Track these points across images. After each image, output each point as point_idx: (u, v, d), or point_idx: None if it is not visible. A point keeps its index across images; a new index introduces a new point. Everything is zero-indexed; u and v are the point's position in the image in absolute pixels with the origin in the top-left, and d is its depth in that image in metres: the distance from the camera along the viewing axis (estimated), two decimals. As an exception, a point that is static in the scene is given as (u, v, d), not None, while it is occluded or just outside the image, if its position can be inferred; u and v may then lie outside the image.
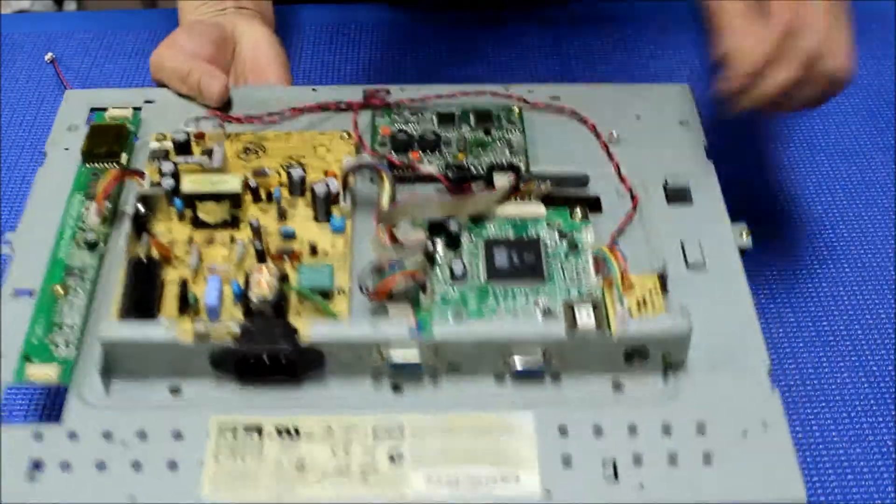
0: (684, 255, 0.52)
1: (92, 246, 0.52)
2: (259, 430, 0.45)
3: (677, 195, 0.56)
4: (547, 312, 0.49)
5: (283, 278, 0.49)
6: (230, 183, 0.52)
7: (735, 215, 0.70)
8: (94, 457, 0.44)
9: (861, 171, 0.72)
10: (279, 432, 0.45)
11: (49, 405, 0.57)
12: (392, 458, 0.44)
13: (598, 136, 0.59)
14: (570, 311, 0.48)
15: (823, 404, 0.59)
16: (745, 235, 0.54)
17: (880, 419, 0.58)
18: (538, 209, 0.54)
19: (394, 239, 0.50)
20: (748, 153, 0.74)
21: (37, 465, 0.44)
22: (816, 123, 0.76)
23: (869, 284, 0.65)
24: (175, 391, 0.47)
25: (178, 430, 0.45)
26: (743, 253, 0.53)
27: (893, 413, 0.59)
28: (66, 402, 0.46)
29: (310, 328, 0.46)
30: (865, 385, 0.60)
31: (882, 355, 0.61)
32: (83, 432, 0.45)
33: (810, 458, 0.57)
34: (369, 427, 0.45)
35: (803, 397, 0.60)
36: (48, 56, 0.80)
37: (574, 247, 0.53)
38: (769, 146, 0.74)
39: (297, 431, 0.45)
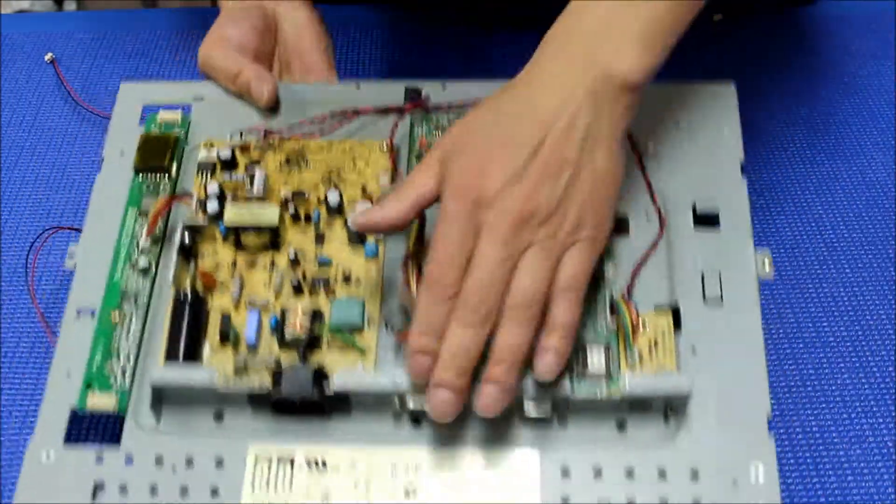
0: (703, 288, 0.53)
1: (145, 271, 0.56)
2: (291, 461, 0.50)
3: (706, 219, 0.55)
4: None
5: (317, 315, 0.53)
6: (269, 215, 0.56)
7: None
8: (148, 481, 0.50)
9: (861, 171, 0.73)
10: (308, 464, 0.50)
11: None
12: (407, 493, 0.49)
13: (634, 148, 0.57)
14: (583, 352, 0.51)
15: (824, 405, 0.60)
16: (767, 265, 0.54)
17: (880, 420, 0.59)
18: None
19: (420, 282, 0.51)
20: (748, 153, 0.74)
21: (98, 487, 0.50)
22: (817, 123, 0.76)
23: (869, 285, 0.66)
24: (218, 417, 0.52)
25: (220, 457, 0.50)
26: (762, 283, 0.54)
27: (893, 414, 0.59)
28: (124, 426, 0.51)
29: (337, 378, 0.50)
30: (866, 386, 0.60)
31: (882, 356, 0.62)
32: (138, 456, 0.51)
33: (810, 458, 0.57)
34: (389, 463, 0.50)
35: (804, 398, 0.60)
36: (48, 56, 0.80)
37: (595, 282, 0.53)
38: (769, 146, 0.74)
39: (324, 464, 0.50)
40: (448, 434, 0.50)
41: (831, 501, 0.56)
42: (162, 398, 0.52)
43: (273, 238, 0.56)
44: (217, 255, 0.56)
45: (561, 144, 0.48)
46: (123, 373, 0.53)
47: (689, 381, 0.49)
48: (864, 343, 0.63)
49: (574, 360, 0.50)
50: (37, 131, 0.75)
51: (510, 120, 0.50)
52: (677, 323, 0.52)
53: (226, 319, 0.54)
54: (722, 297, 0.53)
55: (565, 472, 0.49)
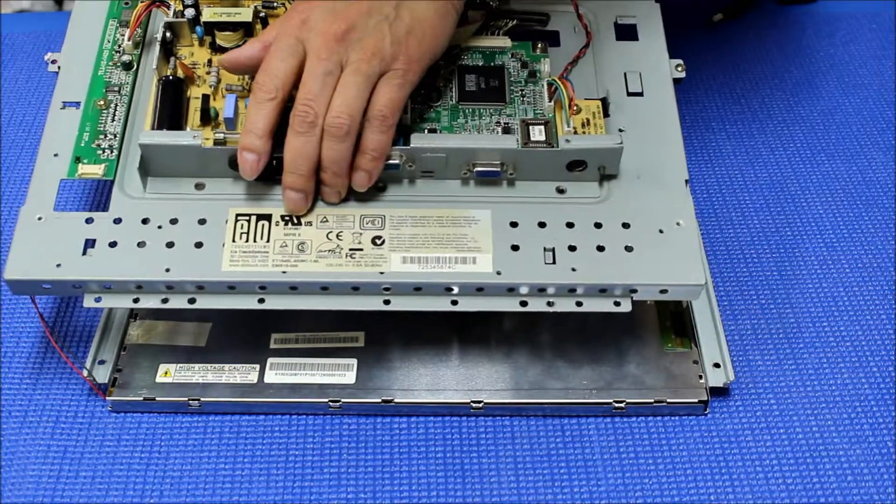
0: (626, 84, 0.61)
1: (127, 66, 0.62)
2: (268, 219, 0.55)
3: (625, 33, 0.64)
4: (506, 129, 0.58)
5: None
6: (243, 14, 0.61)
7: (735, 214, 0.70)
8: (136, 238, 0.54)
9: (861, 171, 0.73)
10: (285, 221, 0.55)
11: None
12: (374, 242, 0.55)
13: None
14: (525, 128, 0.57)
15: (824, 405, 0.60)
16: (680, 69, 0.62)
17: (880, 420, 0.59)
18: (504, 42, 0.63)
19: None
20: (749, 153, 0.74)
21: (89, 244, 0.54)
22: (817, 123, 0.76)
23: (869, 285, 0.65)
24: (199, 187, 0.57)
25: (203, 217, 0.55)
26: (678, 82, 0.62)
27: (893, 414, 0.59)
28: (111, 196, 0.56)
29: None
30: (866, 386, 0.60)
31: (882, 356, 0.62)
32: (126, 218, 0.55)
33: (810, 458, 0.57)
34: (357, 217, 0.56)
35: (804, 398, 0.60)
36: (48, 56, 0.80)
37: (533, 75, 0.61)
38: (769, 145, 0.75)
39: (298, 220, 0.55)
40: (410, 196, 0.57)
41: (831, 501, 0.56)
42: (147, 169, 0.56)
43: (246, 37, 0.61)
44: (194, 56, 0.61)
45: None
46: (111, 148, 0.58)
47: (619, 140, 0.56)
48: (864, 343, 0.63)
49: (521, 135, 0.57)
50: (37, 131, 0.75)
51: None
52: (606, 111, 0.59)
53: (205, 98, 0.58)
54: (643, 92, 0.61)
55: (513, 225, 0.55)
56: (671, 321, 0.62)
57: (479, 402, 0.58)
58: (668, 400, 0.59)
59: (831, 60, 0.81)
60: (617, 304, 0.54)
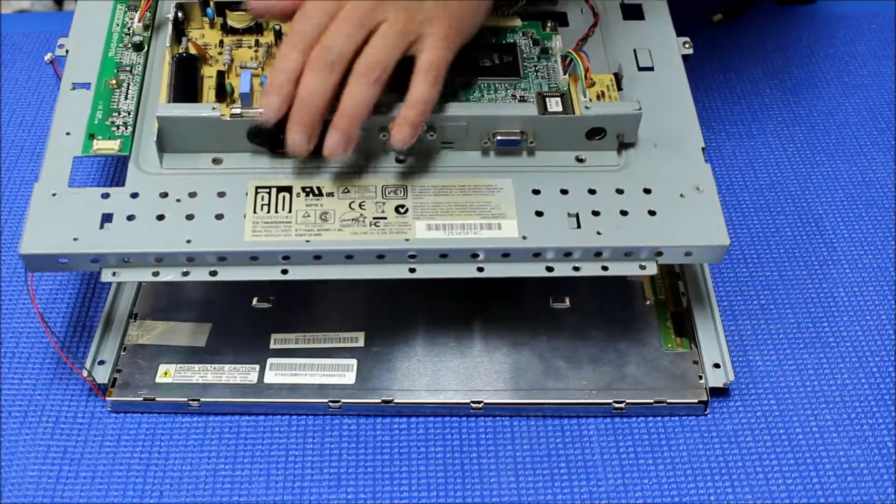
0: (636, 60, 0.62)
1: (138, 47, 0.62)
2: (289, 190, 0.55)
3: (632, 12, 0.66)
4: (523, 101, 0.59)
5: None
6: None
7: (735, 214, 0.70)
8: (154, 211, 0.54)
9: (861, 171, 0.73)
10: (306, 192, 0.55)
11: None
12: (398, 211, 0.55)
13: None
14: (541, 100, 0.58)
15: (824, 405, 0.60)
16: (687, 46, 0.64)
17: (880, 420, 0.59)
18: (515, 21, 0.64)
19: None
20: (749, 153, 0.74)
21: (106, 219, 0.53)
22: (817, 123, 0.76)
23: (869, 285, 0.66)
24: (217, 161, 0.57)
25: (223, 190, 0.55)
26: (686, 59, 0.63)
27: (893, 414, 0.59)
28: (127, 171, 0.56)
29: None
30: (866, 386, 0.60)
31: (882, 357, 0.62)
32: (143, 192, 0.55)
33: (810, 458, 0.57)
34: (379, 187, 0.56)
35: (804, 398, 0.60)
36: (48, 56, 0.80)
37: (545, 52, 0.62)
38: (769, 145, 0.75)
39: (320, 191, 0.55)
40: (430, 166, 0.57)
41: (831, 501, 0.56)
42: (164, 144, 0.56)
43: (258, 18, 0.61)
44: (205, 38, 0.61)
45: None
46: (125, 125, 0.58)
47: (638, 106, 0.57)
48: (864, 344, 0.63)
49: (539, 107, 0.57)
50: (37, 131, 0.75)
51: None
52: (619, 85, 0.60)
53: (221, 74, 0.58)
54: (653, 66, 0.62)
55: (536, 192, 0.56)
56: (671, 321, 0.62)
57: (479, 402, 0.58)
58: (668, 400, 0.59)
59: (831, 60, 0.81)
60: (642, 267, 0.55)
